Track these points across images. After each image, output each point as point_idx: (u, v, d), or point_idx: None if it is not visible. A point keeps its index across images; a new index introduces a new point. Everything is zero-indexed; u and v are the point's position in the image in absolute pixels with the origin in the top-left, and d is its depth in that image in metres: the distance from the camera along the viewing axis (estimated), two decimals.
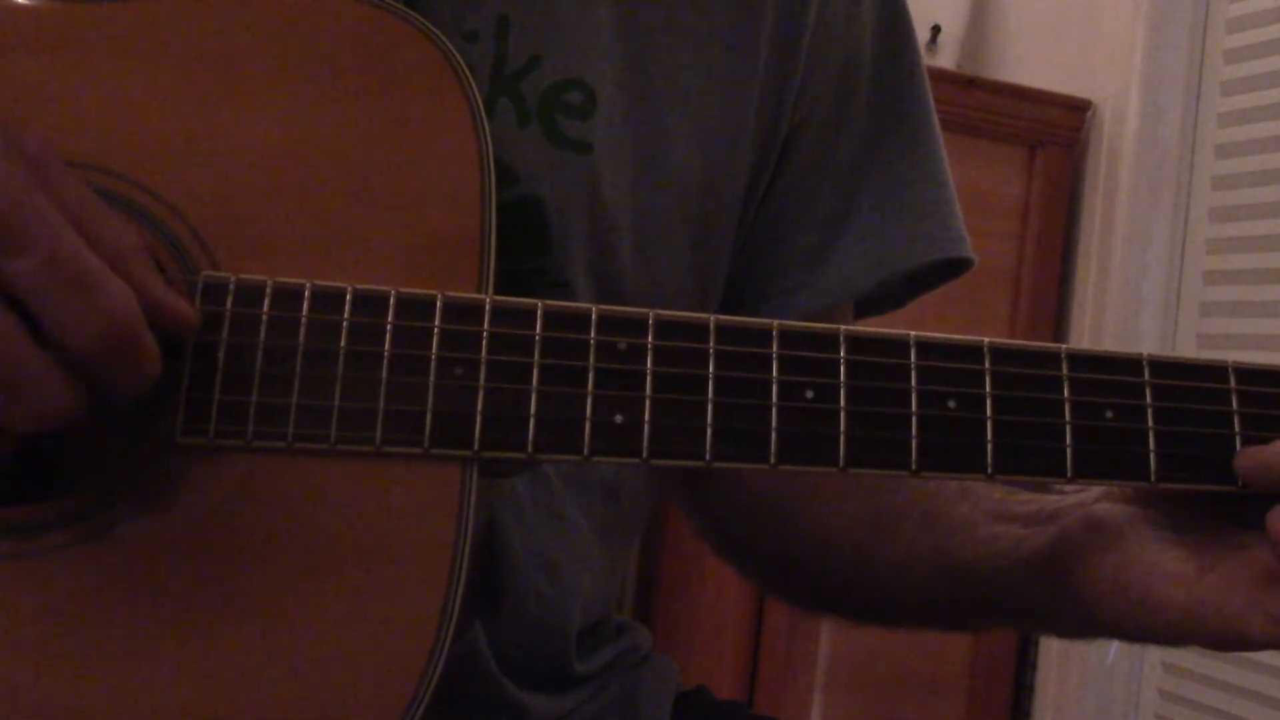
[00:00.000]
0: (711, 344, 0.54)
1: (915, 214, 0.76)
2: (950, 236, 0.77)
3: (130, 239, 0.48)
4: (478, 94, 0.56)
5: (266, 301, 0.52)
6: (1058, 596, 0.60)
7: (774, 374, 0.54)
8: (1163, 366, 0.57)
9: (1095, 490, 0.61)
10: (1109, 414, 0.56)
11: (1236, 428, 0.57)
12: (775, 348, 0.54)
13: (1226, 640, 0.54)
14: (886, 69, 0.78)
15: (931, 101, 0.79)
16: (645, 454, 0.52)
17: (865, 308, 0.79)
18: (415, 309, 0.52)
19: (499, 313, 0.53)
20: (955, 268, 0.78)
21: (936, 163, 0.78)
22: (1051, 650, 2.14)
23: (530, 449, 0.52)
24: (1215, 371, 0.57)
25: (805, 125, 0.75)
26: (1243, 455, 0.56)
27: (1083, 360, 0.56)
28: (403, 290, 0.53)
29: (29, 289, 0.44)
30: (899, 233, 0.76)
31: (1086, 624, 0.60)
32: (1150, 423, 0.56)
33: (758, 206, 0.75)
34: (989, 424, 0.55)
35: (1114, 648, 2.05)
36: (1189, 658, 1.99)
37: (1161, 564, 0.56)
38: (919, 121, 0.78)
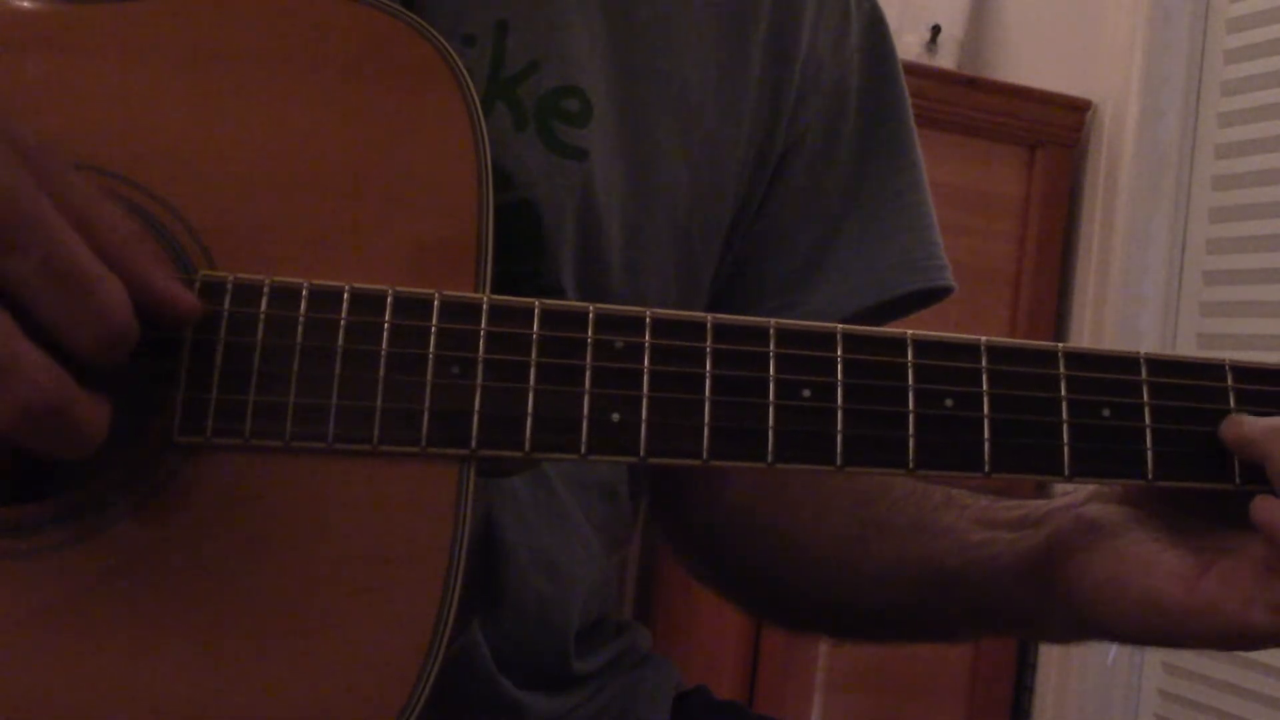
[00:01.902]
0: (709, 342, 0.54)
1: (899, 243, 0.77)
2: (932, 265, 0.78)
3: (130, 229, 0.48)
4: (476, 96, 0.56)
5: (264, 300, 0.52)
6: (1051, 598, 0.60)
7: (771, 372, 0.54)
8: (1159, 365, 0.57)
9: (1084, 492, 0.62)
10: (1106, 412, 0.56)
11: None
12: (772, 346, 0.54)
13: (1230, 636, 0.55)
14: (873, 97, 0.79)
15: (914, 125, 0.81)
16: (643, 453, 0.52)
17: None
18: (413, 308, 0.52)
19: (496, 312, 0.53)
20: (935, 294, 0.79)
21: (919, 191, 0.79)
22: (1052, 650, 2.14)
23: (528, 448, 0.52)
24: (1212, 370, 0.57)
25: (796, 148, 0.76)
26: (1228, 421, 0.56)
27: (1080, 358, 0.56)
28: (400, 289, 0.53)
29: (24, 288, 0.44)
30: (882, 262, 0.77)
31: (1081, 626, 0.60)
32: (1147, 421, 0.56)
33: (746, 226, 0.76)
34: (986, 422, 0.55)
35: (1114, 648, 2.05)
36: (1189, 658, 1.99)
37: (1160, 562, 0.56)
38: (903, 148, 0.80)
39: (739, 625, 1.96)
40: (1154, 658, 2.08)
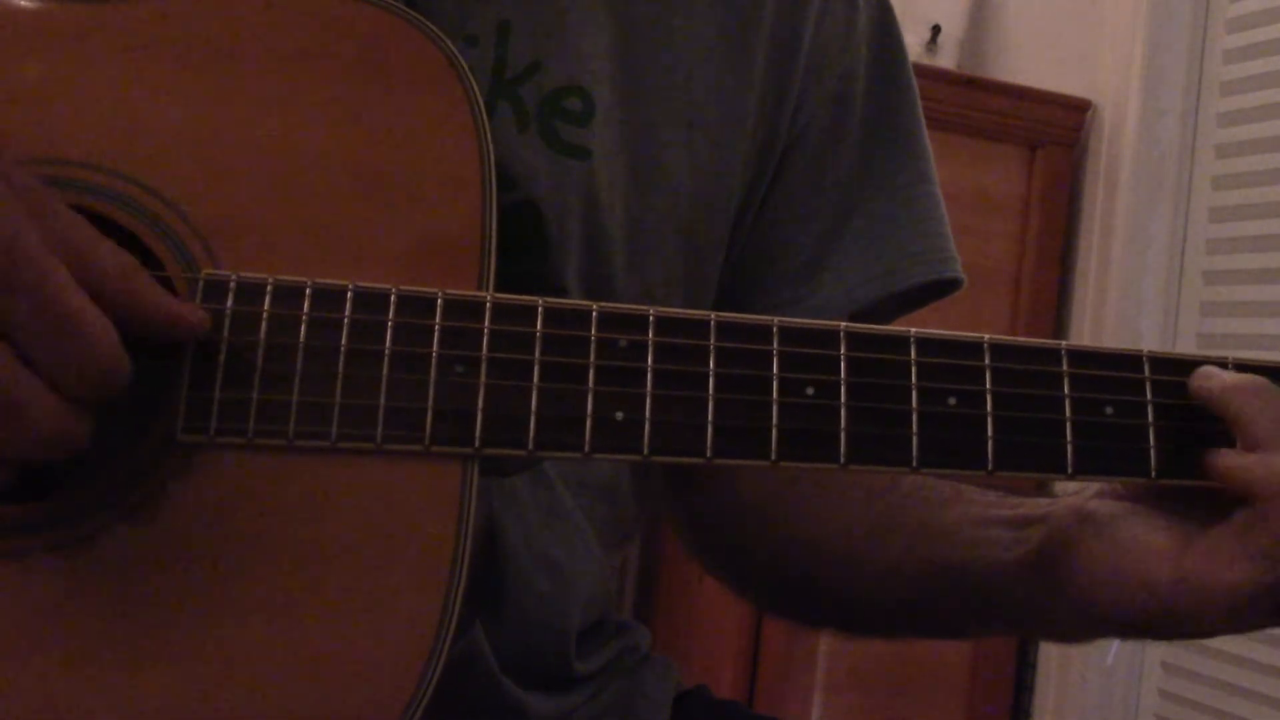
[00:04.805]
0: (712, 341, 0.54)
1: (907, 234, 0.77)
2: (941, 257, 0.77)
3: (127, 262, 0.49)
4: (479, 95, 0.56)
5: (267, 299, 0.52)
6: (1054, 592, 0.60)
7: (774, 371, 0.54)
8: (1163, 363, 0.57)
9: (1088, 490, 0.62)
10: (1109, 410, 0.56)
11: None
12: (775, 344, 0.54)
13: (1218, 601, 0.54)
14: (881, 86, 0.78)
15: (922, 117, 0.80)
16: (646, 451, 0.52)
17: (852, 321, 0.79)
18: (416, 306, 0.52)
19: (500, 310, 0.53)
20: (944, 287, 0.78)
21: (928, 182, 0.79)
22: (1051, 650, 2.14)
23: (531, 446, 0.52)
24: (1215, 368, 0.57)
25: (801, 141, 0.75)
26: (1199, 374, 0.57)
27: (1082, 356, 0.56)
28: (403, 288, 0.53)
29: (18, 329, 0.45)
30: (891, 253, 0.76)
31: (1085, 618, 0.60)
32: (1150, 419, 0.56)
33: (752, 220, 0.75)
34: (989, 420, 0.55)
35: (1114, 648, 2.05)
36: (1189, 658, 1.99)
37: (1150, 545, 0.57)
38: (912, 139, 0.79)
39: (739, 625, 1.96)
40: (1154, 658, 2.08)
